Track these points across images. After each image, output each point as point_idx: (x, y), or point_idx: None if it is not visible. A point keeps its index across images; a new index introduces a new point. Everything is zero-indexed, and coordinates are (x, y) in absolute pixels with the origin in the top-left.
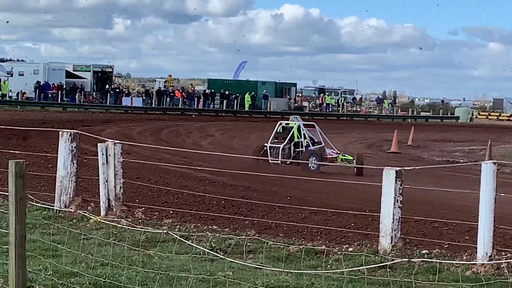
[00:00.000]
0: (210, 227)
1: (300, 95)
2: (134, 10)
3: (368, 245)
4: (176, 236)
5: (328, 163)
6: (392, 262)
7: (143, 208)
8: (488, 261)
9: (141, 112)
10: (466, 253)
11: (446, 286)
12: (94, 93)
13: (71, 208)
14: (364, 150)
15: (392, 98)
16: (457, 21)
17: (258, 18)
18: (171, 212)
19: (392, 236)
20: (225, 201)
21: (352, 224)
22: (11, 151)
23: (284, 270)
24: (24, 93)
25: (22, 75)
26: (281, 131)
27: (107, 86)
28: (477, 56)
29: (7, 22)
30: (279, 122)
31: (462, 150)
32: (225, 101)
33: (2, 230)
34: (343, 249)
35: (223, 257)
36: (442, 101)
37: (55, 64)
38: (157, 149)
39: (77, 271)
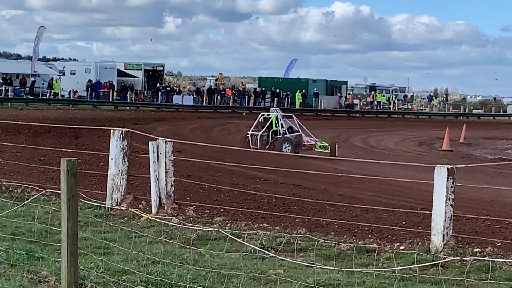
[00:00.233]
0: (261, 225)
1: (351, 92)
2: (185, 8)
3: (419, 243)
4: (227, 234)
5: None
6: (444, 260)
7: (194, 206)
8: None
9: (192, 110)
10: None
11: (498, 285)
12: (145, 91)
13: (122, 206)
14: (415, 148)
15: (444, 96)
16: (510, 18)
17: (308, 16)
18: (222, 210)
19: (444, 234)
20: (276, 199)
21: (404, 222)
22: (63, 150)
23: (335, 268)
24: (76, 91)
25: (74, 74)
26: (262, 121)
27: (158, 85)
28: None
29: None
30: (261, 113)
31: None
32: (275, 99)
33: (55, 228)
34: (395, 247)
35: (274, 255)
36: (494, 98)
37: (107, 62)
38: (208, 147)
39: (129, 269)
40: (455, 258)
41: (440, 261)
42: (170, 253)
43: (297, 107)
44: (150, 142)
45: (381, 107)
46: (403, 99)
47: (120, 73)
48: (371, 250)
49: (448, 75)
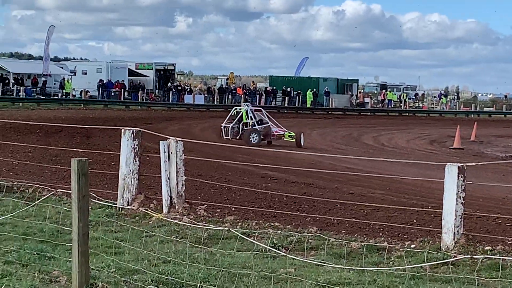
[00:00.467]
0: (271, 224)
1: (362, 91)
2: (195, 8)
3: (430, 241)
4: (238, 233)
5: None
6: (454, 258)
7: (205, 205)
8: None
9: (203, 109)
10: None
11: (509, 283)
12: (157, 91)
13: (133, 206)
14: (426, 146)
15: (455, 94)
16: None
17: (319, 15)
18: (233, 209)
19: (454, 232)
20: (286, 198)
21: (415, 221)
22: (75, 149)
23: (346, 267)
24: (87, 91)
25: (85, 73)
26: (234, 114)
27: (169, 84)
28: None
29: None
30: (234, 108)
31: None
32: (286, 98)
33: (66, 228)
34: (405, 246)
35: (284, 254)
36: (506, 96)
37: (118, 62)
38: (219, 147)
39: (140, 268)
40: (466, 256)
41: (450, 259)
42: (181, 253)
43: (308, 105)
44: (161, 142)
45: (392, 106)
46: (414, 97)
47: (131, 73)
48: (382, 249)
49: (459, 73)
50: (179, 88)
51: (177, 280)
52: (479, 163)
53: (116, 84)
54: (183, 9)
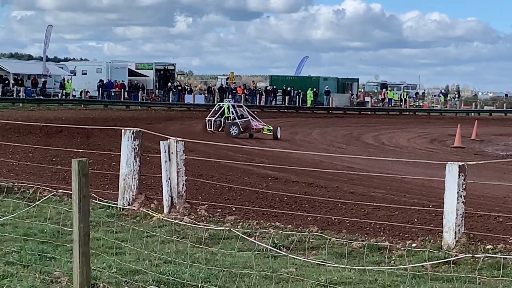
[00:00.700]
0: (272, 223)
1: (362, 90)
2: (196, 7)
3: (431, 240)
4: (239, 233)
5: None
6: (456, 257)
7: (205, 205)
8: None
9: (204, 109)
10: None
11: (511, 282)
12: (157, 91)
13: (134, 206)
14: (427, 145)
15: (455, 93)
16: None
17: (319, 14)
18: (233, 209)
19: (455, 231)
20: (287, 197)
21: (416, 220)
22: (75, 150)
23: (347, 267)
24: (87, 91)
25: (85, 74)
26: (217, 109)
27: (169, 84)
28: None
29: None
30: (217, 103)
31: None
32: (287, 97)
33: (67, 229)
34: (407, 245)
35: (286, 253)
36: (506, 94)
37: (118, 62)
38: (219, 146)
39: (141, 269)
40: (467, 255)
41: (452, 258)
42: (182, 253)
43: (308, 105)
44: (161, 142)
45: (393, 105)
46: (414, 96)
47: (131, 73)
48: (383, 248)
49: (459, 71)
50: (179, 88)
51: (178, 280)
52: (480, 162)
53: (116, 84)
54: (183, 9)
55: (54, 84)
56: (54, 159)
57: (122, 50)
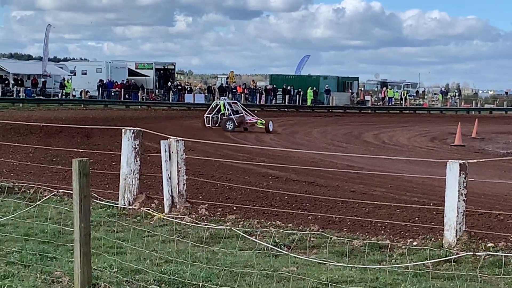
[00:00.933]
0: (273, 222)
1: (363, 89)
2: (195, 7)
3: (432, 239)
4: (239, 232)
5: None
6: (457, 256)
7: (206, 205)
8: None
9: (204, 108)
10: None
11: None
12: (157, 90)
13: (135, 206)
14: (427, 143)
15: (456, 91)
16: None
17: (319, 13)
18: (234, 208)
19: (456, 229)
20: (288, 196)
21: (417, 218)
22: (75, 150)
23: (348, 265)
24: (87, 91)
25: (85, 73)
26: (214, 106)
27: (169, 83)
28: None
29: None
30: (214, 101)
31: None
32: (287, 97)
33: (67, 228)
34: (408, 243)
35: (286, 252)
36: (506, 92)
37: (118, 62)
38: (220, 146)
39: (142, 268)
40: (468, 253)
41: (453, 257)
42: (183, 252)
43: (308, 104)
44: (161, 141)
45: (393, 103)
46: (414, 94)
47: (131, 73)
48: (384, 247)
49: (459, 70)
50: (179, 87)
51: (179, 279)
52: (481, 160)
53: (116, 84)
54: (183, 8)
55: (54, 84)
56: (54, 159)
57: (121, 49)
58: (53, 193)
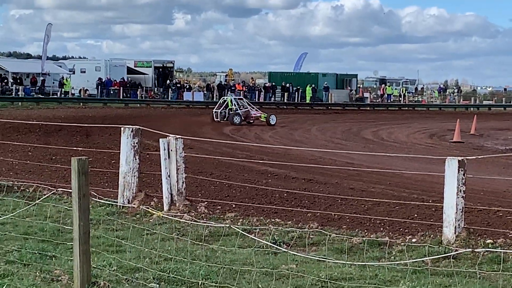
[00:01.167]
0: (272, 220)
1: (361, 86)
2: (194, 5)
3: (431, 235)
4: (238, 230)
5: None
6: (456, 252)
7: (205, 203)
8: None
9: (203, 106)
10: None
11: (511, 276)
12: (156, 88)
13: (134, 204)
14: (426, 140)
15: (454, 88)
16: None
17: (318, 10)
18: (233, 206)
19: (455, 226)
20: (287, 194)
21: (415, 215)
22: (75, 148)
23: (348, 262)
24: (86, 90)
25: (84, 72)
26: (222, 102)
27: (168, 81)
28: None
29: None
30: (222, 97)
31: None
32: (286, 94)
33: (67, 227)
34: (407, 240)
35: (286, 250)
36: (505, 89)
37: (117, 60)
38: (219, 143)
39: (141, 266)
40: (467, 250)
41: (452, 253)
42: (182, 250)
43: (307, 101)
44: (160, 139)
45: (392, 100)
46: (413, 91)
47: (130, 71)
48: (383, 243)
49: (458, 66)
50: (178, 85)
51: (178, 277)
52: (480, 157)
53: (115, 82)
54: (181, 6)
55: (53, 83)
56: (53, 157)
57: (120, 48)
58: (52, 192)
